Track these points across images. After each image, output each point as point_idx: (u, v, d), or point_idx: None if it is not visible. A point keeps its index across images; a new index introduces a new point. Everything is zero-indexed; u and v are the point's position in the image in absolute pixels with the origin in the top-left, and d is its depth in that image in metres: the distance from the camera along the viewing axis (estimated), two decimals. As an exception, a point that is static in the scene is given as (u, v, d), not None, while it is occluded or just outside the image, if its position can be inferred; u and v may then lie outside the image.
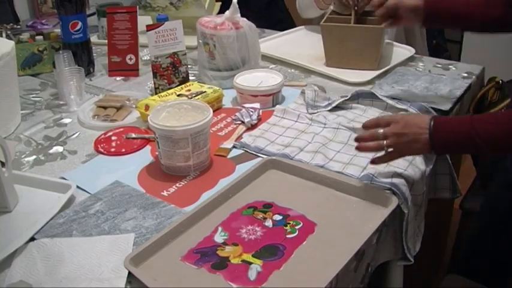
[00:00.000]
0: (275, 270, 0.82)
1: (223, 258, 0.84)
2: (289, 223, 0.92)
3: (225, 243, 0.87)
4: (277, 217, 0.94)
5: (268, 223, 0.92)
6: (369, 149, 0.98)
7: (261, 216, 0.94)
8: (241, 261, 0.84)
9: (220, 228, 0.92)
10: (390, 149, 0.97)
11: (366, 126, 1.00)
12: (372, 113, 1.28)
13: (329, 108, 1.30)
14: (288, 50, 1.71)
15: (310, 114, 1.29)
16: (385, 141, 0.96)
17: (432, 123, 0.93)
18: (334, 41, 1.55)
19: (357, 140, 1.00)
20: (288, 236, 0.89)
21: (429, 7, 1.19)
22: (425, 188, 1.11)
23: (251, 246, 0.87)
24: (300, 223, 0.92)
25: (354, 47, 1.51)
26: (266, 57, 1.65)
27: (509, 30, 1.18)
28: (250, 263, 0.83)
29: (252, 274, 0.81)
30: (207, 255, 0.85)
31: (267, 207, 0.97)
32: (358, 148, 0.99)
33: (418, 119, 0.96)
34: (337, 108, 1.31)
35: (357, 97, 1.32)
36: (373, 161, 0.99)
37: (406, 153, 0.99)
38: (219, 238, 0.89)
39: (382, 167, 1.05)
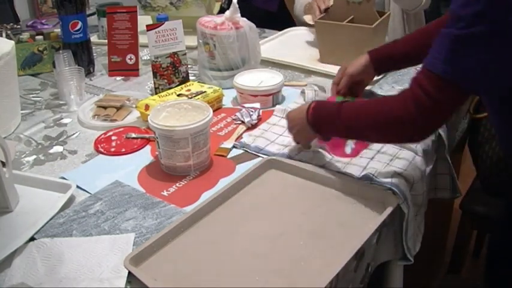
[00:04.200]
0: (364, 147, 1.08)
1: None
2: None
3: None
4: None
5: None
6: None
7: None
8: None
9: None
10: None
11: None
12: None
13: None
14: (288, 51, 1.71)
15: None
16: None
17: (308, 109, 1.01)
18: (327, 37, 1.56)
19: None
20: None
21: (376, 60, 1.21)
22: (425, 188, 1.11)
23: None
24: None
25: (345, 45, 1.52)
26: (266, 60, 1.64)
27: None
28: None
29: (348, 149, 1.07)
30: None
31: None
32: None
33: (300, 109, 1.06)
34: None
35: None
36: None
37: (303, 139, 1.07)
38: None
39: (382, 167, 1.05)
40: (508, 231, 1.27)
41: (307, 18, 1.76)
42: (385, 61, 1.21)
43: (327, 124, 0.99)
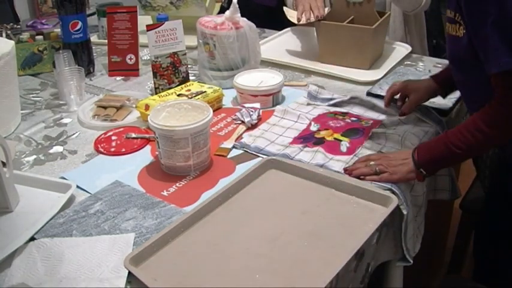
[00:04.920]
0: (359, 145, 1.11)
1: (320, 138, 1.15)
2: (363, 120, 1.22)
3: (318, 130, 1.18)
4: (353, 118, 1.23)
5: (348, 120, 1.22)
6: (360, 172, 1.02)
7: (341, 117, 1.24)
8: (334, 139, 1.14)
9: (312, 122, 1.22)
10: (382, 173, 1.01)
11: (357, 161, 1.05)
12: (372, 114, 1.28)
13: (327, 103, 1.32)
14: (288, 51, 1.71)
15: (308, 104, 1.32)
16: (377, 167, 1.01)
17: (414, 150, 1.02)
18: (327, 38, 1.56)
19: (345, 169, 1.04)
20: (364, 125, 1.19)
21: (442, 85, 1.22)
22: (425, 188, 1.11)
23: (339, 129, 1.17)
24: (370, 121, 1.22)
25: (345, 45, 1.52)
26: (266, 60, 1.64)
27: None
28: (341, 141, 1.13)
29: (343, 148, 1.10)
30: (308, 138, 1.15)
31: (344, 114, 1.26)
32: (349, 173, 1.03)
33: (401, 151, 1.07)
34: (338, 109, 1.31)
35: (358, 99, 1.33)
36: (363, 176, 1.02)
37: (396, 175, 1.01)
38: (313, 127, 1.20)
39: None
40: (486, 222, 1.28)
41: (288, 13, 1.68)
42: (450, 83, 1.20)
43: (441, 159, 1.00)
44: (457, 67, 1.09)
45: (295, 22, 1.63)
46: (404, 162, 1.01)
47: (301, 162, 1.07)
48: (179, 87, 1.37)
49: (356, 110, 1.30)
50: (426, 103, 1.27)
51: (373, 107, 1.30)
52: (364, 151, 1.10)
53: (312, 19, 1.57)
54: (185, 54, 1.43)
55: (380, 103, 1.30)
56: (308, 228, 0.90)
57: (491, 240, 1.31)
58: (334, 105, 1.32)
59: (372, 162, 1.02)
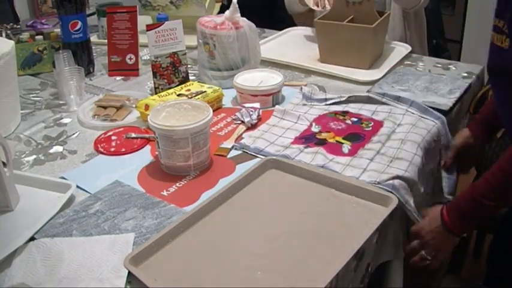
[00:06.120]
0: (360, 148, 1.11)
1: (322, 139, 1.15)
2: (364, 122, 1.21)
3: (320, 132, 1.18)
4: (354, 119, 1.23)
5: (349, 121, 1.22)
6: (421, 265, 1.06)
7: (342, 117, 1.23)
8: (336, 141, 1.14)
9: (313, 124, 1.22)
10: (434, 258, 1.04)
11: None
12: (369, 107, 1.29)
13: (324, 103, 1.32)
14: (288, 51, 1.71)
15: (304, 105, 1.33)
16: (423, 252, 1.04)
17: (442, 212, 1.01)
18: (327, 37, 1.56)
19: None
20: (365, 128, 1.18)
21: (476, 130, 1.26)
22: (422, 190, 1.10)
23: (340, 132, 1.18)
24: (371, 122, 1.21)
25: (345, 45, 1.52)
26: (266, 61, 1.64)
27: None
28: (342, 143, 1.13)
29: (345, 150, 1.11)
30: (310, 138, 1.16)
31: (344, 113, 1.26)
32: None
33: (430, 218, 1.04)
34: (337, 107, 1.31)
35: (353, 96, 1.34)
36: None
37: (443, 248, 1.03)
38: (315, 128, 1.20)
39: (382, 169, 1.04)
40: (507, 230, 1.27)
41: None
42: (485, 125, 1.24)
43: (474, 214, 0.99)
44: (495, 78, 1.06)
45: (310, 5, 1.66)
46: (440, 238, 1.01)
47: (301, 162, 1.07)
48: (179, 87, 1.37)
49: (353, 106, 1.30)
50: (426, 103, 1.27)
51: (369, 99, 1.31)
52: (365, 152, 1.10)
53: (328, 7, 1.59)
54: (185, 54, 1.43)
55: (375, 96, 1.31)
56: (308, 228, 0.91)
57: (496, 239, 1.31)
58: (331, 104, 1.32)
59: (422, 252, 1.04)
